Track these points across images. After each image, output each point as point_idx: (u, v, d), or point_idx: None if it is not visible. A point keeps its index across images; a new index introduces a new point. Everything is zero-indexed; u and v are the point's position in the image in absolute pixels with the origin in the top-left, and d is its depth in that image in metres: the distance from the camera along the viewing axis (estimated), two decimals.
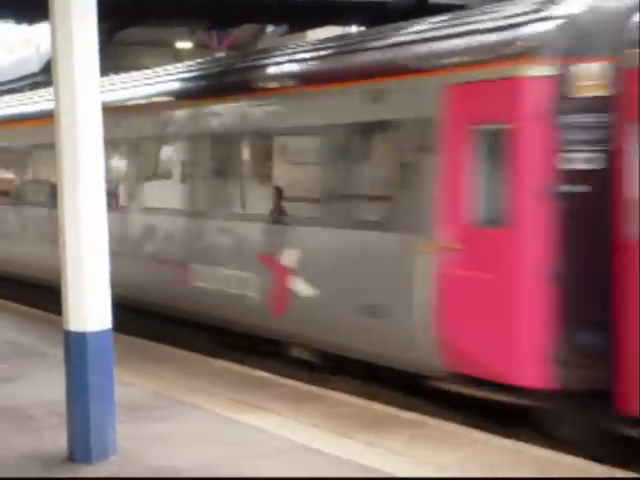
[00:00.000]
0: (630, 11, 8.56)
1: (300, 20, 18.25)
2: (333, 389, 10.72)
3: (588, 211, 8.63)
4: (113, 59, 26.24)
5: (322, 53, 12.32)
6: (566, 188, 8.72)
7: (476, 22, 10.11)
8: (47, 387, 10.10)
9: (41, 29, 26.00)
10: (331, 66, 11.99)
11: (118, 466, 7.76)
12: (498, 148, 9.08)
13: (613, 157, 8.46)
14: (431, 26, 10.82)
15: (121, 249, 13.67)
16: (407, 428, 8.92)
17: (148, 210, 14.87)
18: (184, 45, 37.32)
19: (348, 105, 11.08)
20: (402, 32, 11.20)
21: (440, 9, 12.50)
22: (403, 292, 10.01)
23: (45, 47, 36.21)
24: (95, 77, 7.85)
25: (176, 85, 15.11)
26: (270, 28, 30.73)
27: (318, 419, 9.26)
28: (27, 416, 9.43)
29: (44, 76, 36.66)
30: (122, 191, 15.51)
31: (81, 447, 7.86)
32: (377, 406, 9.86)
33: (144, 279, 14.60)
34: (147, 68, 19.06)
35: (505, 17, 9.69)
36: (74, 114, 7.77)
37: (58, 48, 7.83)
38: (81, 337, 7.81)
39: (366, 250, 10.62)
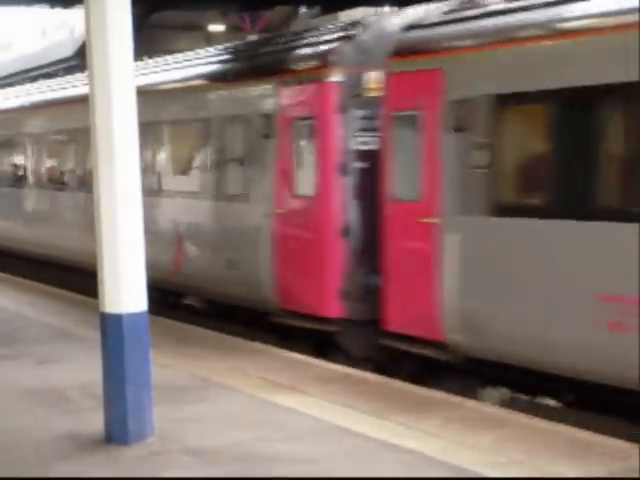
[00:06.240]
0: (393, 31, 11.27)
1: (333, 1, 18.21)
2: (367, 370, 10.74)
3: (368, 182, 11.28)
4: (147, 43, 26.33)
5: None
6: (355, 165, 11.47)
7: (297, 39, 13.09)
8: (84, 369, 10.19)
9: (75, 13, 26.09)
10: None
11: (155, 447, 7.81)
12: (309, 136, 11.86)
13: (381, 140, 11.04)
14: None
15: None
16: (442, 410, 8.91)
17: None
18: (216, 28, 37.32)
19: None
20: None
21: None
22: (254, 248, 12.79)
23: (79, 31, 36.37)
24: (129, 60, 7.87)
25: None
26: (303, 10, 30.68)
27: (353, 400, 9.27)
28: (64, 398, 9.51)
29: (78, 60, 36.84)
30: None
31: (118, 429, 7.92)
32: (412, 387, 9.85)
33: None
34: (179, 52, 19.09)
35: (317, 36, 12.62)
36: (109, 98, 7.80)
37: (92, 32, 7.85)
38: (117, 319, 7.86)
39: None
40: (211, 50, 16.35)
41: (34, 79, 34.19)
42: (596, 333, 8.39)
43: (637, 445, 7.65)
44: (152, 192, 14.58)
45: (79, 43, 36.85)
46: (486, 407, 9.04)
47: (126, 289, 7.88)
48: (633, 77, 8.04)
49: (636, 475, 7.01)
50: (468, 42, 10.06)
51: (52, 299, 16.72)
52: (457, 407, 9.03)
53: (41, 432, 8.34)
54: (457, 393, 9.53)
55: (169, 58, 17.39)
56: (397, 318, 10.67)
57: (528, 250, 9.14)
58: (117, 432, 7.92)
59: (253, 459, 7.48)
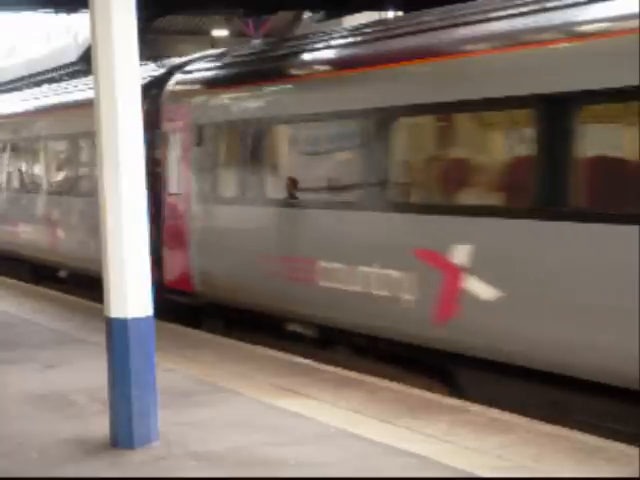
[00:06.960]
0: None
1: (337, 6, 18.23)
2: (373, 374, 10.73)
3: (162, 182, 15.02)
4: (151, 48, 26.37)
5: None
6: (157, 169, 14.98)
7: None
8: (89, 374, 10.20)
9: (79, 18, 26.12)
10: None
11: (160, 452, 7.81)
12: None
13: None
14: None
15: None
16: (448, 414, 8.90)
17: None
18: (220, 33, 37.39)
19: None
20: None
21: None
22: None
23: (83, 36, 36.43)
24: (135, 65, 7.88)
25: None
26: (307, 14, 30.70)
27: (358, 404, 9.27)
28: (69, 402, 9.52)
29: (82, 65, 36.92)
30: None
31: (123, 433, 7.91)
32: (417, 392, 9.85)
33: None
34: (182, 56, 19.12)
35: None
36: (114, 102, 7.81)
37: (97, 37, 7.85)
38: (122, 324, 7.86)
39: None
40: None
41: (38, 84, 34.24)
42: (280, 283, 12.37)
43: (637, 449, 7.66)
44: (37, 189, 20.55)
45: (83, 48, 36.93)
46: (492, 411, 9.03)
47: (131, 294, 7.89)
48: (247, 116, 13.31)
49: (636, 476, 7.02)
50: (196, 87, 14.94)
51: (53, 303, 16.75)
52: (463, 411, 9.03)
53: (46, 436, 8.34)
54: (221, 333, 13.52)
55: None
56: (169, 277, 14.85)
57: (229, 226, 13.61)
58: (122, 436, 7.92)
59: (258, 464, 7.47)
